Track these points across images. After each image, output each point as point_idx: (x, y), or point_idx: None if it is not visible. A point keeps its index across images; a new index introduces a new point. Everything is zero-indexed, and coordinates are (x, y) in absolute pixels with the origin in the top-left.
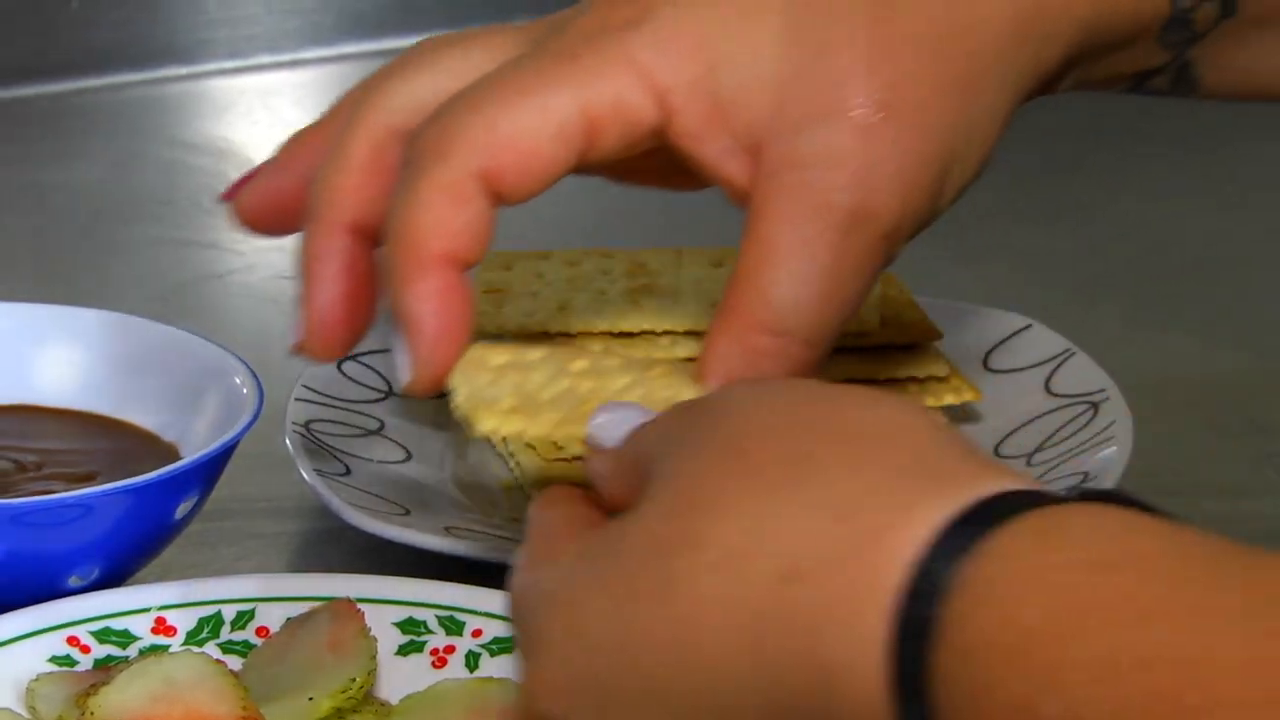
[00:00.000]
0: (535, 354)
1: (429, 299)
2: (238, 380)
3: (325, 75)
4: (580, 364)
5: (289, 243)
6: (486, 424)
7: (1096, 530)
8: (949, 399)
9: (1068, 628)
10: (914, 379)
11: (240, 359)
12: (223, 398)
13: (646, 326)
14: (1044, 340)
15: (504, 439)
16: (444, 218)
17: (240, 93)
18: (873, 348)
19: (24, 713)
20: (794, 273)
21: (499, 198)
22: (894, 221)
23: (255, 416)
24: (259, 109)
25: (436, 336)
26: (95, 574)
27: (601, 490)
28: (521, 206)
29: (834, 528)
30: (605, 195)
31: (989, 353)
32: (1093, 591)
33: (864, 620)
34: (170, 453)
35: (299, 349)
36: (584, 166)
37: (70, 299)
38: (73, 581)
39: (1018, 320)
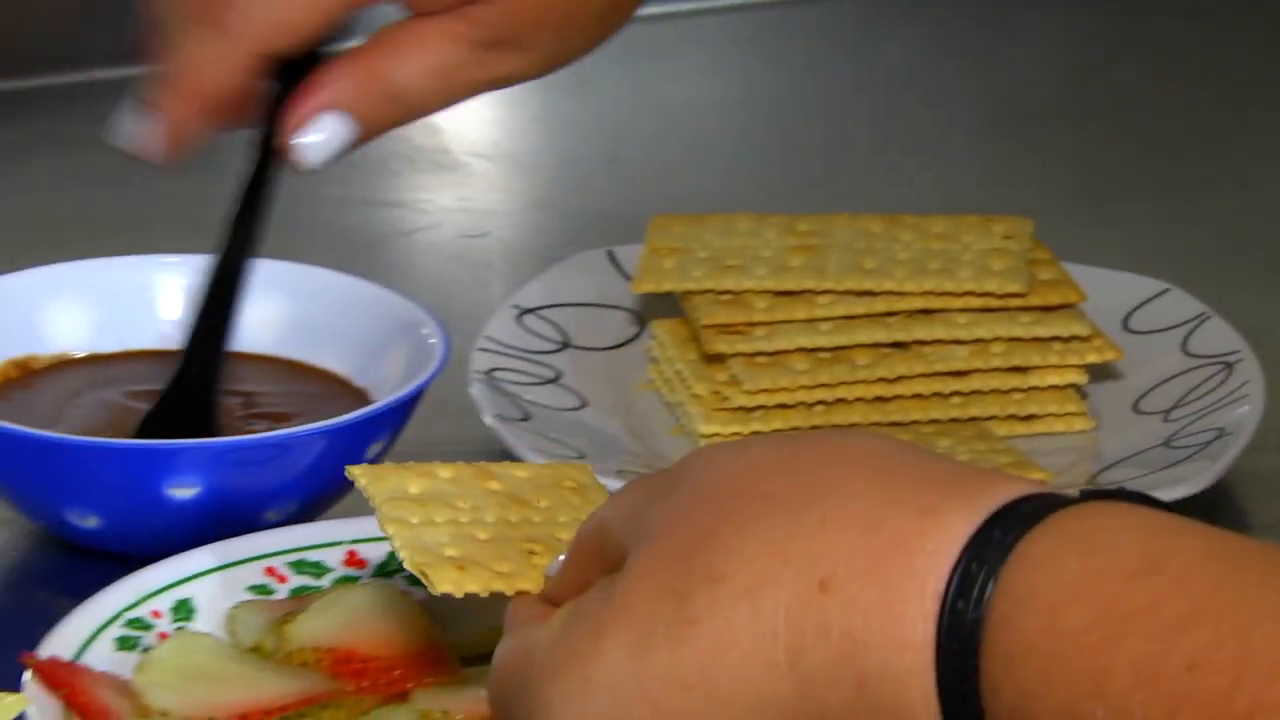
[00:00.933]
0: (445, 473)
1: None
2: (425, 331)
3: None
4: (493, 484)
5: (471, 203)
6: (445, 585)
7: (1125, 532)
8: (1091, 358)
9: (1111, 633)
10: (1058, 338)
11: (428, 311)
12: (411, 347)
13: (808, 286)
14: (1181, 304)
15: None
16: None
17: None
18: (1021, 309)
19: (225, 638)
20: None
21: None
22: None
23: (442, 364)
24: None
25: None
26: (291, 510)
27: (562, 580)
28: (661, 177)
29: (861, 539)
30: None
31: (1129, 315)
32: (1133, 597)
33: (906, 624)
34: (362, 397)
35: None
36: None
37: (270, 253)
38: (269, 516)
39: (1157, 285)
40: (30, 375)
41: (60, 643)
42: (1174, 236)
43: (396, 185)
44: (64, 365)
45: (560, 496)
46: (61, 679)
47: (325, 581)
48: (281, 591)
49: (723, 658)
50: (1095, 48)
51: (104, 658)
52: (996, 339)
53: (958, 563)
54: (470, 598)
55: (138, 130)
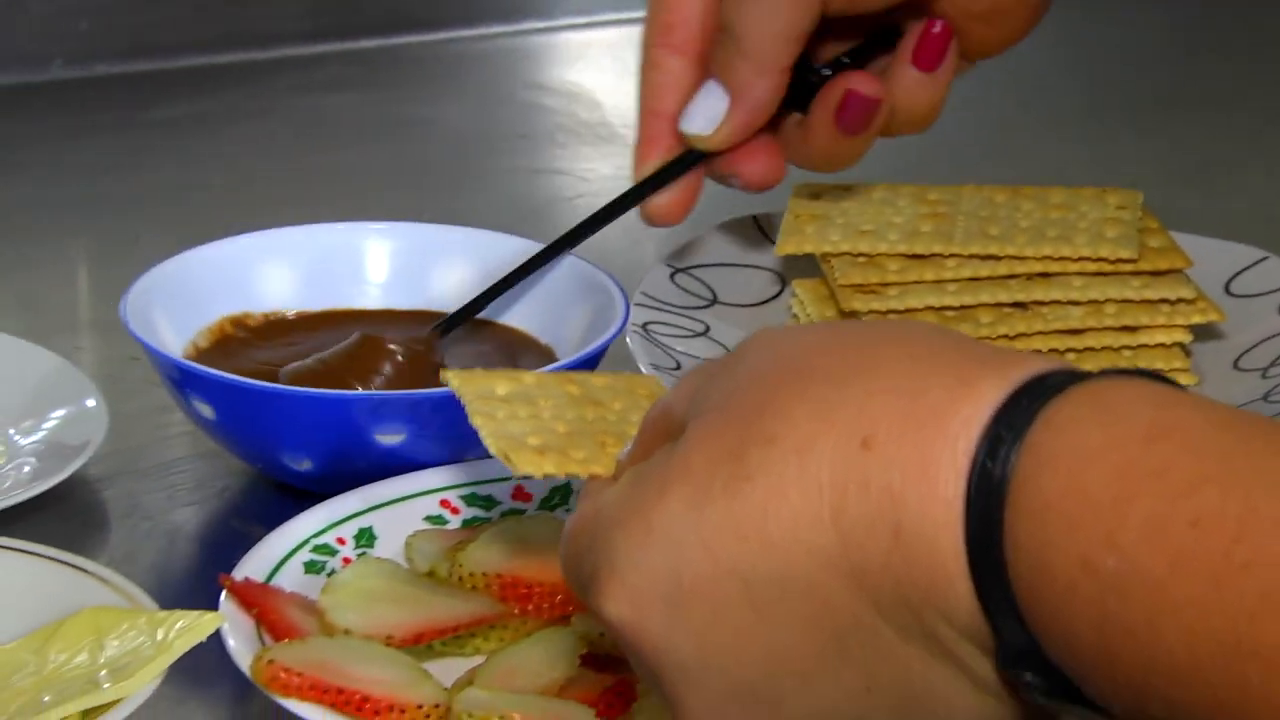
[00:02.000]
0: (529, 379)
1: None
2: (608, 293)
3: None
4: (572, 388)
5: (629, 172)
6: (526, 466)
7: (1141, 403)
8: (1196, 318)
9: (1123, 493)
10: (1166, 300)
11: (609, 274)
12: (594, 307)
13: (936, 250)
14: (1279, 271)
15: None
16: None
17: (589, 44)
18: (1132, 273)
19: (403, 564)
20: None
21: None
22: None
23: (624, 322)
24: (605, 58)
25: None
26: (484, 454)
27: (639, 449)
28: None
29: (902, 405)
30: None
31: (1230, 280)
32: (1145, 461)
33: (940, 480)
34: (548, 353)
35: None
36: None
37: (445, 218)
38: (467, 460)
39: (1256, 253)
40: (247, 331)
41: (254, 566)
42: (1271, 207)
43: (562, 156)
44: (277, 322)
45: (633, 401)
46: (254, 599)
47: (494, 514)
48: (455, 522)
49: (773, 510)
50: (1193, 36)
51: (293, 580)
52: (1109, 300)
53: (989, 427)
54: None
55: (710, 114)
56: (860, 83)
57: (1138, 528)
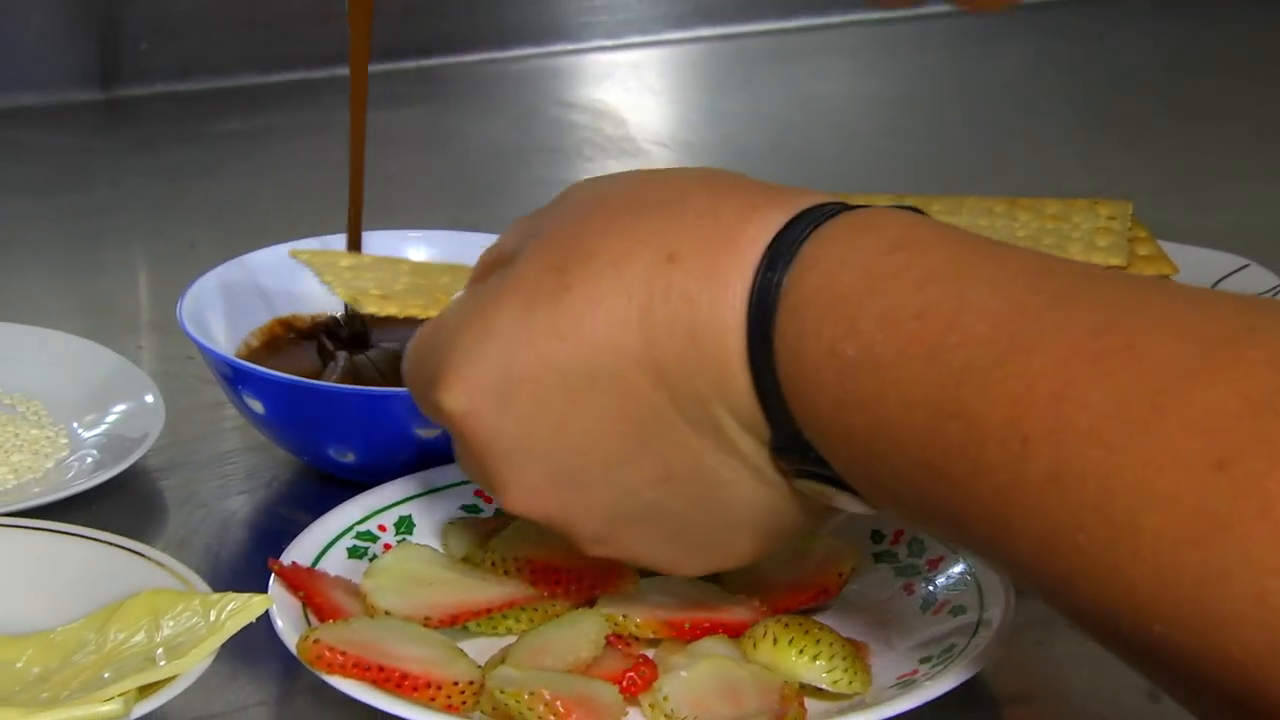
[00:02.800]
0: (367, 259)
1: None
2: None
3: (684, 53)
4: (404, 266)
5: None
6: (370, 306)
7: (892, 224)
8: None
9: (864, 290)
10: None
11: None
12: None
13: None
14: (1259, 277)
15: None
16: None
17: (615, 65)
18: None
19: (440, 549)
20: None
21: None
22: None
23: None
24: (630, 79)
25: None
26: None
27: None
28: (815, 162)
29: (701, 225)
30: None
31: (1215, 284)
32: (885, 265)
33: (729, 288)
34: None
35: None
36: None
37: (480, 225)
38: None
39: (1238, 260)
40: (295, 332)
41: (300, 551)
42: (1254, 217)
43: (589, 168)
44: (323, 323)
45: (458, 278)
46: (301, 582)
47: None
48: (488, 510)
49: (590, 314)
50: (1181, 53)
51: (337, 564)
52: None
53: (771, 244)
54: None
55: None
56: None
57: (874, 318)
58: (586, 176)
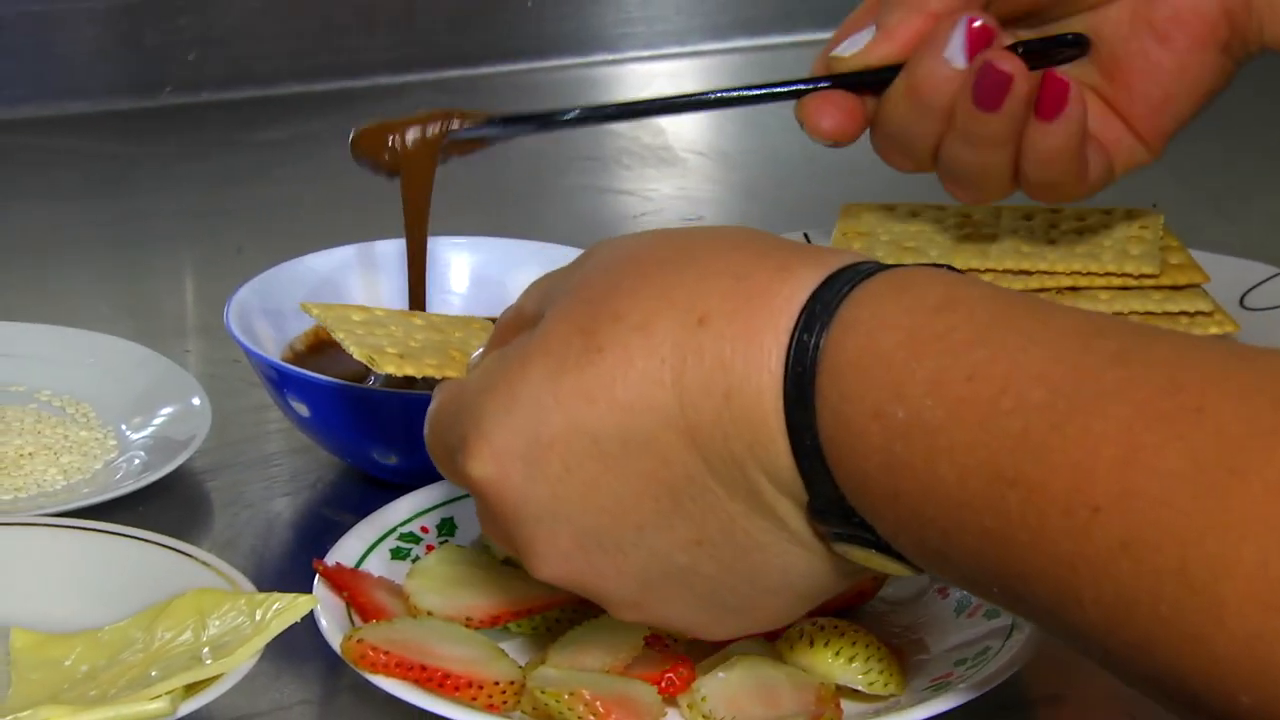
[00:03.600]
0: (380, 312)
1: (910, 17)
2: None
3: (720, 64)
4: (418, 320)
5: (689, 192)
6: (388, 366)
7: (933, 283)
8: (1213, 330)
9: (912, 353)
10: (1185, 313)
11: None
12: None
13: (973, 265)
14: None
15: None
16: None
17: (653, 75)
18: (1154, 288)
19: (482, 551)
20: None
21: None
22: None
23: None
24: (667, 88)
25: (900, 40)
26: None
27: (492, 348)
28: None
29: (733, 286)
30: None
31: (1245, 294)
32: (931, 326)
33: (764, 351)
34: None
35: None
36: None
37: (520, 232)
38: None
39: (1268, 269)
40: None
41: (344, 552)
42: None
43: (627, 176)
44: None
45: (470, 332)
46: (345, 582)
47: None
48: None
49: (621, 377)
50: None
51: (380, 565)
52: (1133, 312)
53: (805, 305)
54: None
55: (859, 40)
56: (1001, 58)
57: (922, 382)
58: (626, 185)
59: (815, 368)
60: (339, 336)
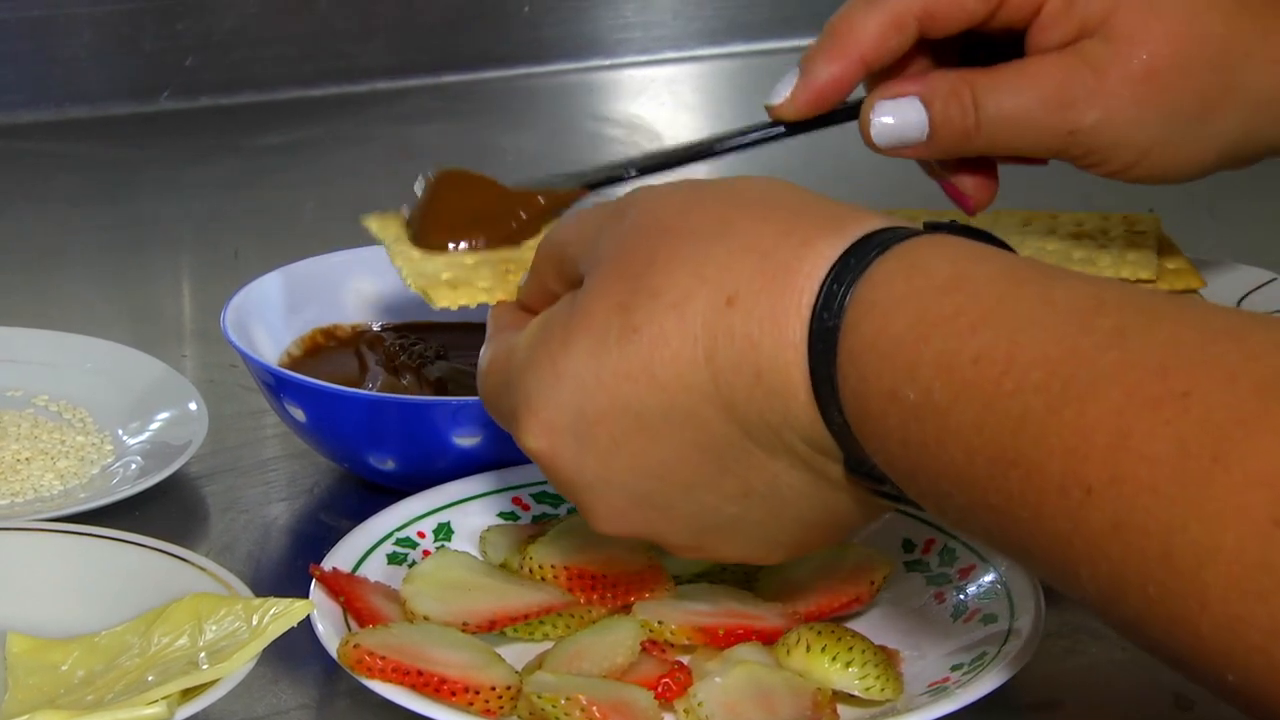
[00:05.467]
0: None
1: (830, 64)
2: None
3: (718, 69)
4: (472, 256)
5: None
6: (442, 301)
7: (941, 260)
8: None
9: (921, 335)
10: None
11: None
12: None
13: None
14: None
15: None
16: (880, 34)
17: (650, 80)
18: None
19: (478, 556)
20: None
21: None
22: None
23: None
24: (664, 94)
25: (819, 89)
26: None
27: (529, 289)
28: (842, 179)
29: (759, 263)
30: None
31: (1241, 299)
32: (939, 308)
33: (789, 329)
34: None
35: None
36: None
37: None
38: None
39: (1265, 274)
40: (336, 341)
41: (341, 557)
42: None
43: (631, 184)
44: (364, 333)
45: (527, 247)
46: (341, 587)
47: (563, 510)
48: (526, 518)
49: (658, 357)
50: None
51: (377, 570)
52: None
53: (824, 283)
54: None
55: (784, 88)
56: (894, 89)
57: (931, 364)
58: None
59: (836, 347)
60: (396, 263)
